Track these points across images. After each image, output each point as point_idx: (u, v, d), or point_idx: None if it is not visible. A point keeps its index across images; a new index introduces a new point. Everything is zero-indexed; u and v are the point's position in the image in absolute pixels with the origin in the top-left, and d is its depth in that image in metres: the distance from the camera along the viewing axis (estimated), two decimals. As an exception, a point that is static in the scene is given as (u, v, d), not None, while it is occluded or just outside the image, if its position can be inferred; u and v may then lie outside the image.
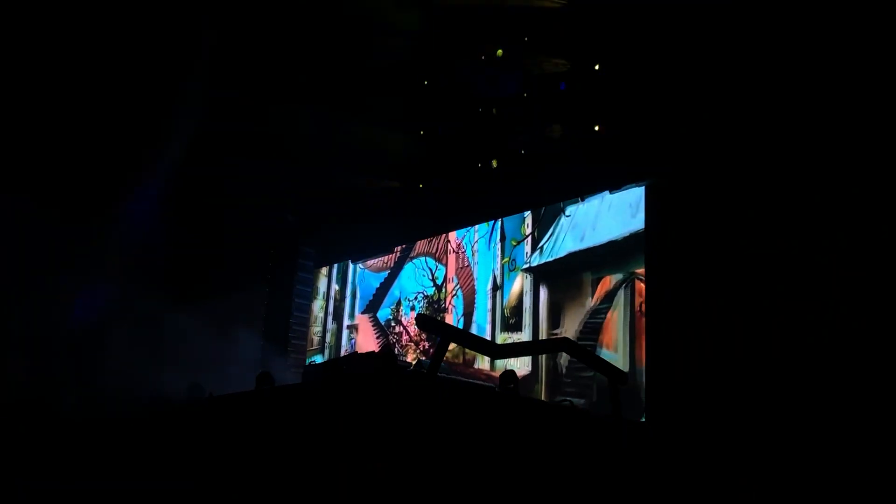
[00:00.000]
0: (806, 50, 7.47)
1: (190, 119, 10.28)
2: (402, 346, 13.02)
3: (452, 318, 12.36)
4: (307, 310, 13.84)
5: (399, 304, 13.74)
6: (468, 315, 11.96)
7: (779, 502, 6.48)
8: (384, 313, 13.91)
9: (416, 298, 13.27)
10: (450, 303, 12.53)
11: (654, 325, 8.57)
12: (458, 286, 12.37)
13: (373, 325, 14.23)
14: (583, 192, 9.86)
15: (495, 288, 11.50)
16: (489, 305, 11.46)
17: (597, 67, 9.15)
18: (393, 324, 13.61)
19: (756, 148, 7.78)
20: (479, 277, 11.97)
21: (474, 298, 11.83)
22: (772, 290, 7.40)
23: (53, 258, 10.25)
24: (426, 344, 12.46)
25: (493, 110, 10.21)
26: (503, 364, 9.61)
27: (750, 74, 7.90)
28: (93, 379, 9.94)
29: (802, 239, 7.30)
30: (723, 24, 7.96)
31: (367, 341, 13.94)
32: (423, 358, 11.22)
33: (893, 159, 6.84)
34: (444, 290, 12.78)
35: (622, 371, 8.35)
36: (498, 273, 11.54)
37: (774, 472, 6.65)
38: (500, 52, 9.52)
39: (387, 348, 12.54)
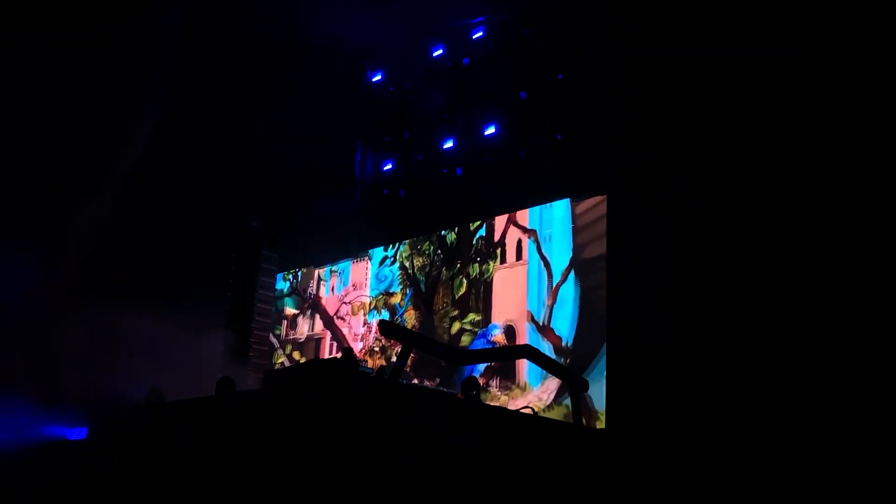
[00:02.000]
0: (769, 61, 7.62)
1: (151, 117, 10.17)
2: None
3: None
4: (269, 315, 13.72)
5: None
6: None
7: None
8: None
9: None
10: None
11: (615, 334, 8.66)
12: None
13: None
14: (544, 199, 9.94)
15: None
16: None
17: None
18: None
19: (715, 160, 7.92)
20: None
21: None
22: (733, 295, 7.53)
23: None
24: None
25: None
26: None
27: (714, 87, 8.04)
28: (49, 377, 9.70)
29: (763, 245, 7.45)
30: (688, 34, 8.11)
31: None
32: (386, 364, 11.17)
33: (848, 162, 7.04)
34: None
35: (583, 378, 8.42)
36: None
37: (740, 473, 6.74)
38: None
39: (349, 352, 12.37)
